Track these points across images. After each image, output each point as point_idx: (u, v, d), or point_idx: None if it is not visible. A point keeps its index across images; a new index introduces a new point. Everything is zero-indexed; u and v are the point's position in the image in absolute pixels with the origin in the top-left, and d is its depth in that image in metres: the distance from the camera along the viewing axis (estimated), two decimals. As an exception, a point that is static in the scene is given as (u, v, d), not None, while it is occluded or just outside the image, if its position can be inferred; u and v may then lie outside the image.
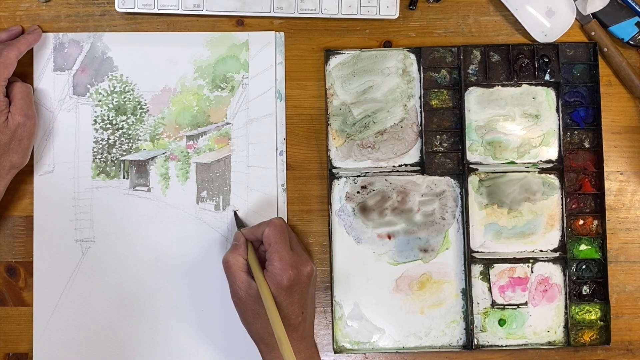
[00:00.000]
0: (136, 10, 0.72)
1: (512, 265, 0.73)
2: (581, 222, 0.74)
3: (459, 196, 0.74)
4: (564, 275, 0.73)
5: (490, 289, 0.73)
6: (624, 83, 0.75)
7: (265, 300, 0.62)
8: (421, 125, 0.74)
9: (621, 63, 0.74)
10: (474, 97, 0.74)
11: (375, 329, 0.73)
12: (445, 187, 0.74)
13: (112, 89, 0.74)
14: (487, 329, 0.73)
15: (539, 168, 0.74)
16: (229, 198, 0.73)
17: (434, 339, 0.73)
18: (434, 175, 0.74)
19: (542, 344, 0.73)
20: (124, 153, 0.73)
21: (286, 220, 0.73)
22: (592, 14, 0.74)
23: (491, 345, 0.73)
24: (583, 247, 0.73)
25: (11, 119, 0.67)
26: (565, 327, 0.73)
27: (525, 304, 0.73)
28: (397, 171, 0.74)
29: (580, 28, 0.75)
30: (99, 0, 0.74)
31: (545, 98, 0.74)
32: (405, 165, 0.74)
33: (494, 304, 0.73)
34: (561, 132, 0.74)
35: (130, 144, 0.74)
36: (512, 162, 0.74)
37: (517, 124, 0.74)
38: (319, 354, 0.69)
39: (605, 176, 0.73)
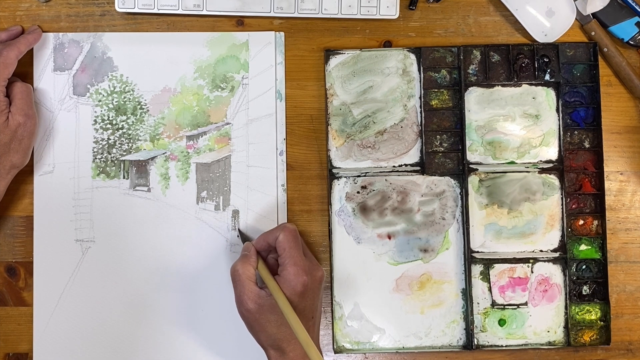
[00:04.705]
0: (136, 10, 0.72)
1: (512, 265, 0.73)
2: (581, 222, 0.74)
3: (459, 196, 0.74)
4: (564, 275, 0.73)
5: (490, 289, 0.73)
6: (624, 83, 0.75)
7: (283, 307, 0.61)
8: (421, 125, 0.74)
9: (621, 63, 0.74)
10: (474, 97, 0.74)
11: (375, 329, 0.73)
12: (445, 187, 0.74)
13: (112, 89, 0.74)
14: (487, 329, 0.73)
15: (539, 168, 0.74)
16: (229, 198, 0.73)
17: (434, 339, 0.73)
18: (434, 175, 0.74)
19: (542, 344, 0.73)
20: (124, 153, 0.73)
21: (286, 221, 0.73)
22: (592, 14, 0.74)
23: (491, 345, 0.73)
24: (583, 247, 0.73)
25: (11, 118, 0.67)
26: (565, 327, 0.73)
27: (525, 304, 0.73)
28: (397, 171, 0.74)
29: (580, 28, 0.75)
30: (99, 0, 0.74)
31: (545, 98, 0.74)
32: (405, 165, 0.74)
33: (494, 304, 0.73)
34: (561, 132, 0.74)
35: (130, 144, 0.74)
36: (512, 162, 0.74)
37: (517, 124, 0.74)
38: (323, 358, 0.69)
39: (605, 176, 0.73)
